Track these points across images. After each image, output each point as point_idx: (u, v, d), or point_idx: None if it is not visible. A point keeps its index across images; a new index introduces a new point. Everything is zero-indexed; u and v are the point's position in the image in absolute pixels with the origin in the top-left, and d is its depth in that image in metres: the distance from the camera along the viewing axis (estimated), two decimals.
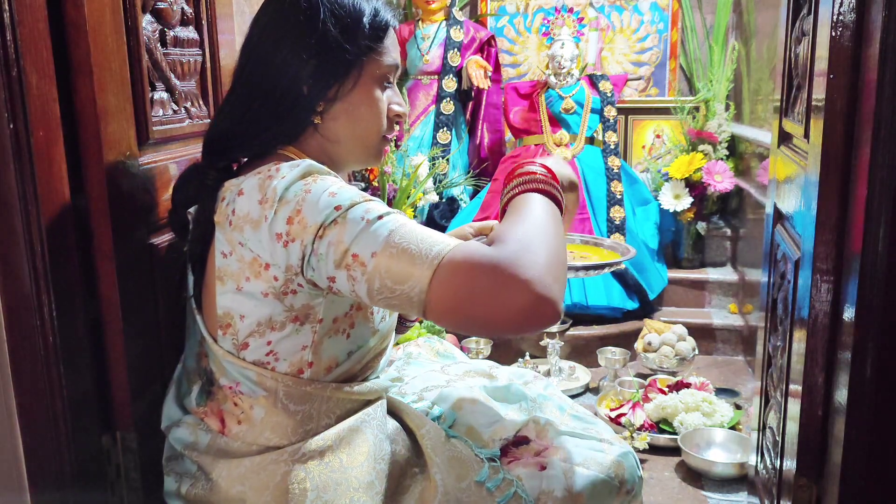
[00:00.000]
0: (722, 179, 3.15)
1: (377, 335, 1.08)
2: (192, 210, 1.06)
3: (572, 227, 3.03)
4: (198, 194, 1.03)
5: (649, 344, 2.71)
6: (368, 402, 1.09)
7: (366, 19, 1.00)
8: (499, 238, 0.86)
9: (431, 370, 1.41)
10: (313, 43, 0.98)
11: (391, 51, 1.05)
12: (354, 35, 0.99)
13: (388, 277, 0.86)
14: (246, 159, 1.08)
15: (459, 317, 0.84)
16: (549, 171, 0.99)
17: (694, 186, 3.21)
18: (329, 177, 0.95)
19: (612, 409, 2.37)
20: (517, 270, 0.80)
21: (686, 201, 3.20)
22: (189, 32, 1.29)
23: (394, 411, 1.18)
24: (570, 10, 3.81)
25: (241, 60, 1.05)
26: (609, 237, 3.06)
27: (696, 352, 2.72)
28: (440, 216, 3.24)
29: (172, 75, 1.24)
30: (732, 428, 2.23)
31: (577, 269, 1.38)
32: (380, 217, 0.89)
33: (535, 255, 0.82)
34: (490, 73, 3.38)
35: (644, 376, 2.63)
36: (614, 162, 3.24)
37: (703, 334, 2.96)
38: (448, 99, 3.42)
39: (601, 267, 1.40)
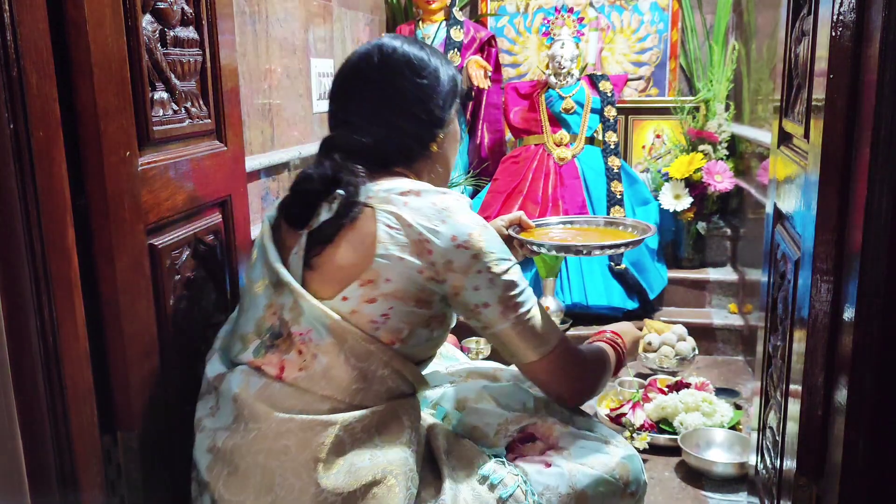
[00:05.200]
0: (722, 179, 3.15)
1: (444, 333, 1.20)
2: (339, 193, 1.13)
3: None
4: (343, 185, 1.13)
5: (649, 344, 2.72)
6: (407, 395, 1.16)
7: (457, 77, 1.29)
8: (587, 355, 1.29)
9: (435, 371, 1.42)
10: (442, 92, 1.23)
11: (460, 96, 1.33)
12: (455, 86, 1.27)
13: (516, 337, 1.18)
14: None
15: (535, 383, 1.27)
16: (621, 339, 1.41)
17: (694, 186, 3.21)
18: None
19: (611, 409, 2.37)
20: (576, 385, 1.27)
21: (686, 201, 3.20)
22: (189, 32, 1.29)
23: None
24: (570, 10, 3.81)
25: (389, 91, 1.20)
26: None
27: (696, 352, 2.72)
28: None
29: (172, 75, 1.24)
30: (732, 428, 2.23)
31: (602, 247, 1.47)
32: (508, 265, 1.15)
33: (590, 387, 1.29)
34: (490, 73, 3.38)
35: (644, 376, 2.63)
36: (614, 162, 3.24)
37: (703, 334, 2.96)
38: None
39: (620, 246, 1.47)
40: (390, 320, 1.09)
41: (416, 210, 1.10)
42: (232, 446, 1.08)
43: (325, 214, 1.12)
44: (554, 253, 1.58)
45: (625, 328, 1.45)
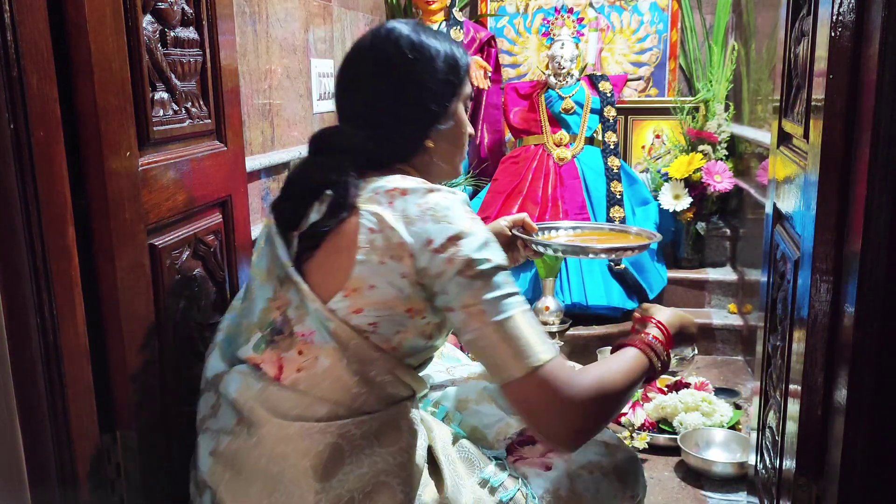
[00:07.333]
0: (721, 179, 3.15)
1: (442, 339, 1.15)
2: (328, 194, 1.09)
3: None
4: (332, 185, 1.09)
5: None
6: (405, 399, 1.12)
7: (461, 61, 1.19)
8: (591, 374, 1.03)
9: (437, 371, 1.42)
10: (437, 80, 1.15)
11: (469, 83, 1.23)
12: (457, 72, 1.18)
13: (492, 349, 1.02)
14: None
15: (518, 411, 1.04)
16: (667, 334, 1.18)
17: (693, 186, 3.21)
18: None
19: None
20: (577, 419, 1.01)
21: (686, 201, 3.20)
22: (189, 32, 1.29)
23: None
24: (570, 11, 3.81)
25: (379, 82, 1.13)
26: None
27: (696, 352, 2.72)
28: None
29: (173, 75, 1.24)
30: (732, 428, 2.23)
31: (607, 250, 1.47)
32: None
33: (599, 409, 1.02)
34: (490, 74, 3.38)
35: None
36: (614, 162, 3.24)
37: (703, 334, 2.96)
38: None
39: (625, 249, 1.50)
40: (380, 329, 1.04)
41: (400, 211, 1.03)
42: (235, 450, 1.07)
43: (314, 216, 1.08)
44: (559, 254, 1.56)
45: (673, 319, 1.22)
